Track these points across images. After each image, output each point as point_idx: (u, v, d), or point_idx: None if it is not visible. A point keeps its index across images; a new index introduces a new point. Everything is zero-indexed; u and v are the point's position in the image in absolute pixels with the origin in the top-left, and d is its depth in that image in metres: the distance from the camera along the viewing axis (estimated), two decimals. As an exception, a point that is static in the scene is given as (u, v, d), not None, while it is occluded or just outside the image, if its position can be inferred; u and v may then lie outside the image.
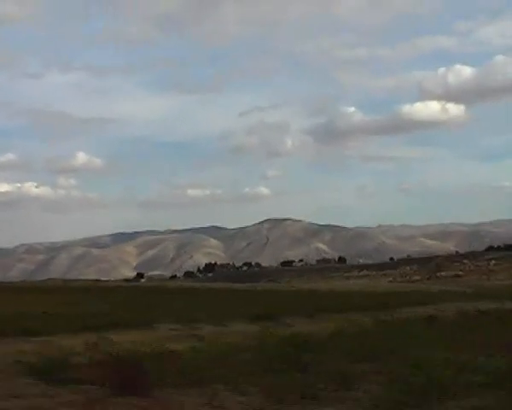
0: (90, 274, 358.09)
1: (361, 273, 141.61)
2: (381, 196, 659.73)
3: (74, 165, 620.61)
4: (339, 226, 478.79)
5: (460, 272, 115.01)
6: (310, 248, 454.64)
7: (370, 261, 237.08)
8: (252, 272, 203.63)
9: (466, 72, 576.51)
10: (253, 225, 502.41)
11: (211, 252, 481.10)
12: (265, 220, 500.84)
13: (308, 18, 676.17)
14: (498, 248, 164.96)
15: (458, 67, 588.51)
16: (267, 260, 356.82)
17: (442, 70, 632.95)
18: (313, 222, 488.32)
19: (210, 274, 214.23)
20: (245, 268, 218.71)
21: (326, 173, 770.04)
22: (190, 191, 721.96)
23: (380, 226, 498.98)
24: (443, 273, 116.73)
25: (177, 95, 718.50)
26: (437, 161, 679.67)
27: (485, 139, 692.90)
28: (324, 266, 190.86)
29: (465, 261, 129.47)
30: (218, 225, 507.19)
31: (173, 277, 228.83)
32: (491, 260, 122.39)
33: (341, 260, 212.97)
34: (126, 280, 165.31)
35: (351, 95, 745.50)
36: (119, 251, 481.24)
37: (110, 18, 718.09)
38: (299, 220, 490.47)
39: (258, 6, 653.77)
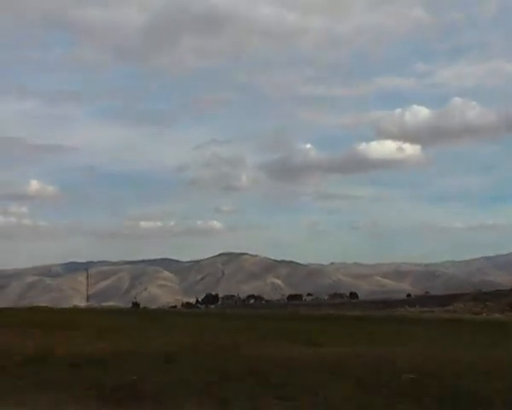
0: (43, 303, 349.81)
1: (412, 309, 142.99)
2: (334, 233, 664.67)
3: (26, 192, 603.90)
4: (294, 262, 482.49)
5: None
6: (266, 283, 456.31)
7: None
8: (260, 304, 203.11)
9: (423, 113, 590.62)
10: (208, 258, 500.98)
11: (165, 284, 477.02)
12: (220, 254, 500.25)
13: (267, 52, 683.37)
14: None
15: (415, 107, 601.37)
16: (223, 293, 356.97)
17: (399, 110, 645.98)
18: (268, 257, 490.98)
19: (212, 306, 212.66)
20: (252, 301, 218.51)
21: (280, 209, 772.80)
22: (143, 223, 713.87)
23: (333, 264, 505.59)
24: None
25: (132, 125, 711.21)
26: (390, 201, 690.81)
27: (439, 181, 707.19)
28: (342, 302, 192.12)
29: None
30: (172, 257, 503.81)
31: (173, 307, 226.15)
32: None
33: (353, 295, 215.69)
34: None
35: (307, 131, 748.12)
36: (71, 281, 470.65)
37: (69, 45, 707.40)
38: (255, 255, 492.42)
39: (217, 39, 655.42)
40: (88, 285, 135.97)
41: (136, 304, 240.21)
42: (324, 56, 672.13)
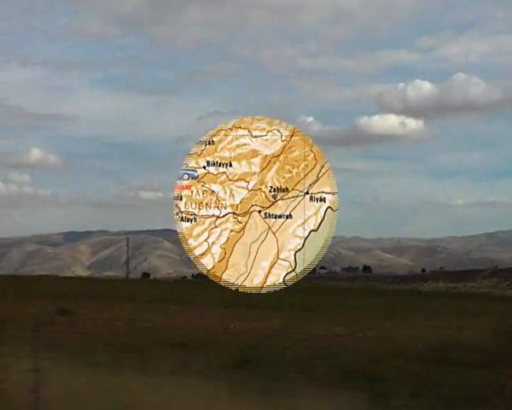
0: (43, 271, 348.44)
1: (440, 285, 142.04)
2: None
3: (28, 161, 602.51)
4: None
5: None
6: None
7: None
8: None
9: (426, 87, 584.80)
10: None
11: (166, 255, 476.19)
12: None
13: (271, 25, 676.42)
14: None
15: (418, 82, 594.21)
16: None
17: (402, 84, 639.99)
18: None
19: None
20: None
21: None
22: (143, 193, 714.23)
23: (333, 237, 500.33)
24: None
25: (135, 95, 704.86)
26: (391, 176, 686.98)
27: (441, 156, 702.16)
28: (355, 275, 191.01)
29: None
30: (173, 228, 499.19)
31: (184, 278, 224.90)
32: None
33: (366, 269, 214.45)
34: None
35: (309, 104, 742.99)
36: (71, 250, 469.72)
37: (73, 14, 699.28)
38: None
39: (221, 10, 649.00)
40: (128, 255, 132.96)
41: (146, 275, 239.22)
42: (328, 30, 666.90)
